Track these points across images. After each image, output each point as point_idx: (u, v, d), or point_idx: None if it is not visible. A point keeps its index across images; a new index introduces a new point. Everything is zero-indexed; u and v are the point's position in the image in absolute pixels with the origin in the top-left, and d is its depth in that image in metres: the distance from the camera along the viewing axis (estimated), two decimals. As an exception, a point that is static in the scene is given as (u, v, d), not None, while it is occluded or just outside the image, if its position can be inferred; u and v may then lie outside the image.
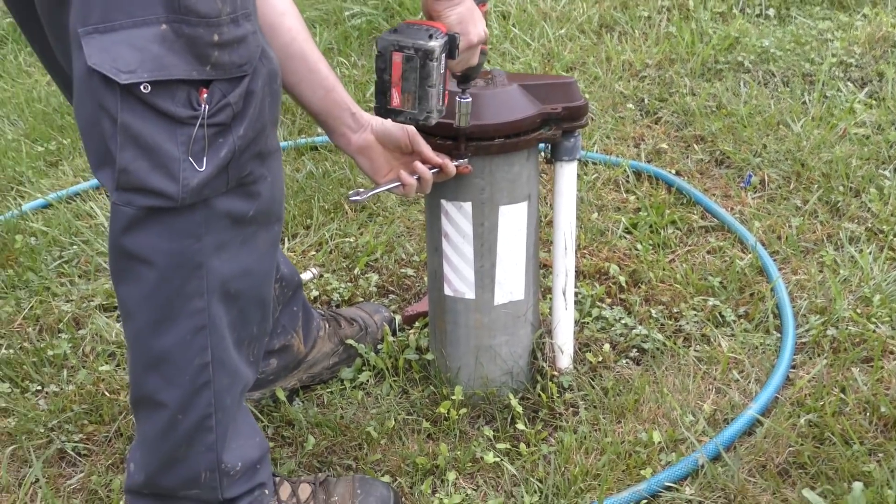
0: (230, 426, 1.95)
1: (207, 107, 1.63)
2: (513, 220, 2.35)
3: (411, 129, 2.16)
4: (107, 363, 2.70)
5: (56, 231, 3.32)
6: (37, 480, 2.34)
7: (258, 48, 1.70)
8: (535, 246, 2.44)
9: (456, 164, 2.21)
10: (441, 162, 2.18)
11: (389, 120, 2.10)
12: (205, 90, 1.63)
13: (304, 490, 2.18)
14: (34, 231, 3.35)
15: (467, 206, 2.32)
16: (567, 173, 2.38)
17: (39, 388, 2.65)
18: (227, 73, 1.64)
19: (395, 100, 2.04)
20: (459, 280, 2.40)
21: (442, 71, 2.02)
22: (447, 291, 2.43)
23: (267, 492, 2.09)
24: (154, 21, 1.56)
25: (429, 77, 1.99)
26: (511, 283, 2.41)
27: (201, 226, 1.72)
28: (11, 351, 2.77)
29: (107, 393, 2.59)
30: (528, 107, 2.27)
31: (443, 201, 2.34)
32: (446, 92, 2.09)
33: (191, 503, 2.02)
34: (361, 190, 2.16)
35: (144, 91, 1.58)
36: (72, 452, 2.44)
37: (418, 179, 2.18)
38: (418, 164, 2.16)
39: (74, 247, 3.24)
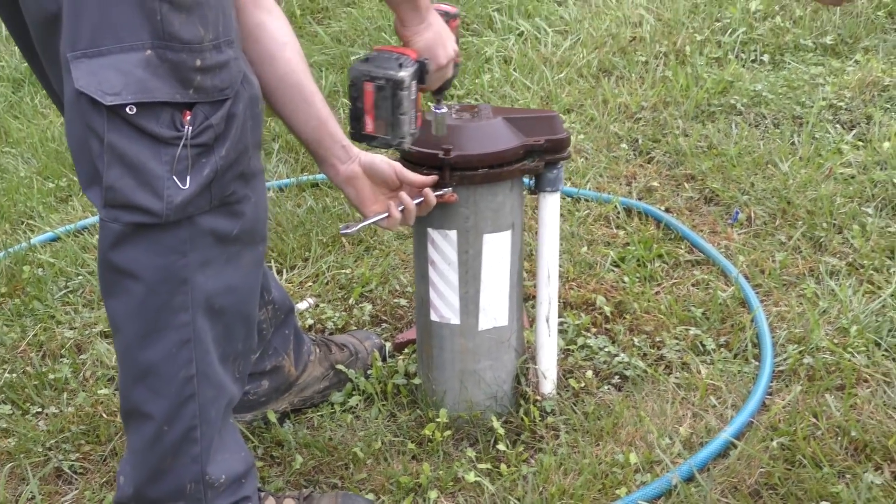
0: (215, 439, 2.01)
1: (191, 128, 1.72)
2: (497, 249, 2.43)
3: (397, 165, 2.24)
4: (106, 387, 2.78)
5: (63, 262, 3.42)
6: (33, 497, 2.43)
7: (240, 73, 1.80)
8: (520, 274, 2.53)
9: (439, 193, 2.29)
10: (425, 182, 2.26)
11: (375, 153, 2.19)
12: (188, 112, 1.72)
13: None
14: (42, 262, 3.45)
15: (452, 234, 2.41)
16: (550, 204, 2.47)
17: (40, 409, 2.73)
18: (209, 97, 1.74)
19: (369, 126, 2.13)
20: (445, 306, 2.48)
21: (413, 97, 2.11)
22: (433, 317, 2.51)
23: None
24: (140, 47, 1.66)
25: (400, 105, 2.08)
26: (495, 310, 2.49)
27: (186, 242, 1.80)
28: (14, 375, 2.86)
29: (104, 415, 2.68)
30: (511, 139, 2.37)
31: (429, 229, 2.43)
32: (419, 114, 2.18)
33: None
34: (352, 223, 2.25)
35: (130, 112, 1.67)
36: (68, 471, 2.52)
37: (402, 211, 2.26)
38: (403, 196, 2.24)
39: (80, 277, 3.34)
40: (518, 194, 2.45)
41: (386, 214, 2.25)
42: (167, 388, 1.90)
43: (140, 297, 1.81)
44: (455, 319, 2.49)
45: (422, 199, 2.27)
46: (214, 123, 1.75)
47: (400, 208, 2.26)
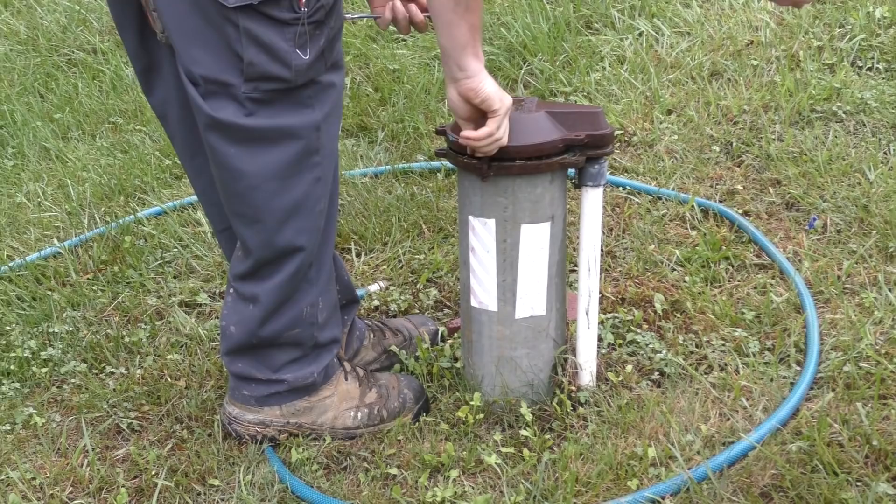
0: (322, 265, 2.45)
1: (306, 10, 2.10)
2: (534, 239, 2.49)
3: None
4: (176, 352, 2.95)
5: (163, 236, 3.61)
6: (87, 449, 2.60)
7: None
8: (560, 265, 2.57)
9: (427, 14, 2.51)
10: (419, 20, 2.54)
11: None
12: None
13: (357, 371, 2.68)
14: (144, 234, 3.65)
15: (491, 222, 2.48)
16: (591, 198, 2.51)
17: (113, 370, 2.91)
18: None
19: None
20: (484, 292, 2.55)
21: None
22: (473, 303, 2.58)
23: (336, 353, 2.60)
24: None
25: None
26: (532, 299, 2.54)
27: (312, 97, 2.22)
28: (97, 336, 3.05)
29: (169, 378, 2.84)
30: (551, 132, 2.42)
31: (470, 217, 2.50)
32: None
33: (287, 349, 2.46)
34: (356, 13, 2.61)
35: (255, 3, 2.04)
36: (126, 428, 2.69)
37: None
38: (397, 5, 2.52)
39: (175, 250, 3.52)
40: (559, 187, 2.50)
41: (377, 16, 2.58)
42: (310, 222, 2.33)
43: (285, 146, 2.22)
44: (493, 306, 2.56)
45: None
46: (325, 3, 2.14)
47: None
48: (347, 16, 2.63)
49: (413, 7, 2.52)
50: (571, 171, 2.50)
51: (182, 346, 3.00)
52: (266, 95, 2.16)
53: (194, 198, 3.86)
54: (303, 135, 2.23)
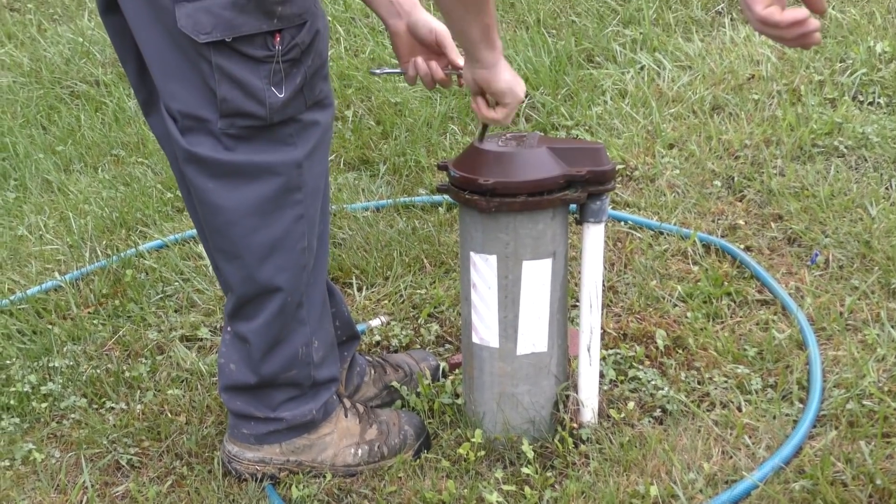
0: (314, 307, 2.43)
1: (280, 48, 2.10)
2: (536, 275, 2.49)
3: (442, 33, 2.46)
4: (176, 388, 2.94)
5: (164, 269, 3.61)
6: (86, 486, 2.59)
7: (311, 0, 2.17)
8: (562, 301, 2.57)
9: (450, 71, 2.51)
10: (453, 62, 2.50)
11: (429, 16, 2.47)
12: (278, 35, 2.09)
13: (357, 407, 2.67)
14: (146, 268, 3.65)
15: (493, 258, 2.47)
16: (593, 235, 2.51)
17: (113, 405, 2.90)
18: (291, 22, 2.10)
19: None
20: (485, 328, 2.54)
21: None
22: (474, 339, 2.58)
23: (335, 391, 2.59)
24: None
25: None
26: (534, 335, 2.54)
27: (293, 135, 2.22)
28: (98, 371, 3.04)
29: (169, 414, 2.83)
30: (552, 168, 2.42)
31: (471, 253, 2.50)
32: None
33: (286, 389, 2.44)
34: (381, 65, 2.53)
35: (228, 40, 2.04)
36: (125, 465, 2.68)
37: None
38: (419, 60, 2.51)
39: (176, 283, 3.52)
40: (561, 223, 2.50)
41: (401, 72, 2.56)
42: (290, 261, 2.31)
43: (263, 182, 2.22)
44: (494, 342, 2.55)
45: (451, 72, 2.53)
46: (300, 42, 2.13)
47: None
48: (374, 71, 2.66)
49: (434, 64, 2.50)
50: (573, 206, 2.49)
51: (183, 381, 2.99)
52: (243, 132, 2.16)
53: (196, 231, 3.85)
54: (282, 171, 2.22)
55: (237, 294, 2.34)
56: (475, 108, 2.40)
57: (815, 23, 1.70)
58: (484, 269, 2.49)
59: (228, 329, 2.43)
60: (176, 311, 3.39)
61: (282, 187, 2.23)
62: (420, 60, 2.50)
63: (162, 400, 2.89)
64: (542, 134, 2.57)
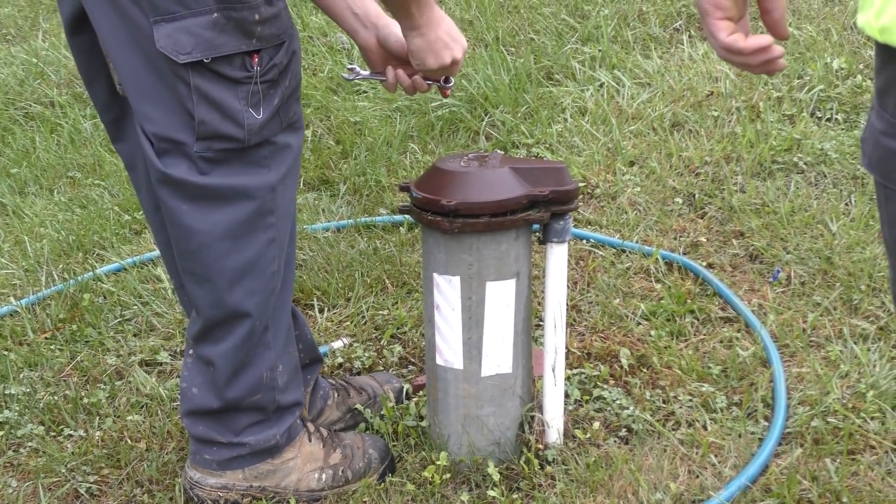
0: (279, 331, 2.40)
1: (259, 69, 2.09)
2: (500, 296, 2.47)
3: None
4: (136, 413, 2.89)
5: (122, 293, 3.56)
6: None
7: (289, 19, 2.18)
8: (526, 322, 2.55)
9: (431, 82, 2.48)
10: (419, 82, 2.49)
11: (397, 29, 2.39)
12: (256, 56, 2.08)
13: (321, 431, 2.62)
14: (103, 291, 3.60)
15: (456, 280, 2.45)
16: (556, 255, 2.49)
17: (71, 432, 2.85)
18: (269, 43, 2.10)
19: None
20: (449, 350, 2.52)
21: None
22: (438, 361, 2.55)
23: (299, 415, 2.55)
24: (207, 11, 2.00)
25: None
26: (498, 357, 2.52)
27: (268, 158, 2.20)
28: (55, 397, 2.99)
29: (129, 440, 2.79)
30: (515, 188, 2.40)
31: (434, 275, 2.48)
32: None
33: (249, 413, 2.40)
34: (354, 68, 2.56)
35: (206, 61, 2.02)
36: (84, 493, 2.63)
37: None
38: (400, 71, 2.46)
39: (135, 307, 3.47)
40: (524, 244, 2.48)
41: (384, 78, 2.49)
42: (260, 285, 2.28)
43: (238, 206, 2.19)
44: (458, 364, 2.53)
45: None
46: (278, 62, 2.13)
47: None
48: (348, 77, 2.60)
49: (417, 79, 2.47)
50: (535, 226, 2.48)
51: (143, 407, 2.94)
52: (219, 155, 2.14)
53: (154, 253, 3.81)
54: (257, 195, 2.20)
55: (205, 317, 2.30)
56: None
57: (779, 49, 1.70)
58: (447, 291, 2.47)
59: (191, 352, 2.39)
60: (135, 336, 3.34)
61: (255, 211, 2.21)
62: (402, 73, 2.47)
63: (121, 426, 2.85)
64: (504, 153, 2.55)
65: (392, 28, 2.42)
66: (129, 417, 2.87)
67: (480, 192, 2.39)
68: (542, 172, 2.45)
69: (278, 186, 2.23)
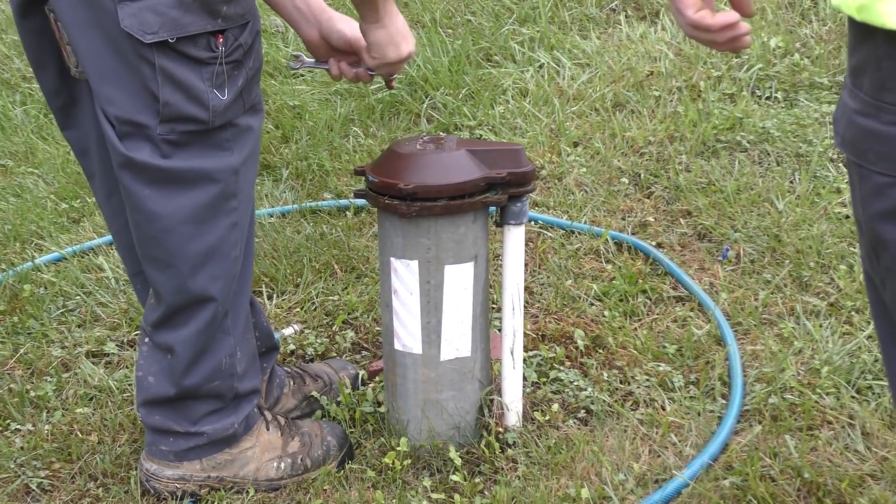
0: (238, 314, 2.37)
1: (224, 49, 2.06)
2: (458, 280, 2.45)
3: (354, 39, 2.42)
4: (85, 406, 2.83)
5: (64, 282, 3.48)
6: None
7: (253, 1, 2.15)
8: (484, 305, 2.54)
9: (373, 73, 2.48)
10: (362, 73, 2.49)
11: (342, 23, 2.43)
12: (220, 36, 2.05)
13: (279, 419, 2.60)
14: (44, 282, 3.52)
15: (414, 264, 2.43)
16: (514, 237, 2.48)
17: (19, 427, 2.79)
18: (234, 23, 2.07)
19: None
20: (407, 335, 2.50)
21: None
22: (396, 346, 2.53)
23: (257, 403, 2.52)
24: None
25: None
26: (457, 340, 2.50)
27: (230, 140, 2.16)
28: (0, 391, 2.92)
29: (79, 433, 2.72)
30: (472, 170, 2.38)
31: (392, 259, 2.45)
32: None
33: (207, 401, 2.37)
34: (299, 56, 2.57)
35: (172, 41, 1.99)
36: (36, 489, 2.57)
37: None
38: (343, 65, 2.48)
39: (78, 297, 3.40)
40: (482, 226, 2.46)
41: (328, 67, 2.50)
42: (223, 269, 2.25)
43: (201, 189, 2.16)
44: (417, 349, 2.51)
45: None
46: (243, 42, 2.10)
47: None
48: (293, 65, 2.60)
49: (361, 70, 2.47)
50: (492, 208, 2.47)
51: (92, 399, 2.88)
52: (182, 137, 2.10)
53: (95, 242, 3.74)
54: (220, 178, 2.17)
55: (167, 303, 2.26)
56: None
57: (745, 26, 1.71)
58: (405, 275, 2.44)
59: (146, 340, 2.34)
60: (79, 326, 3.27)
61: (219, 194, 2.17)
62: (345, 65, 2.47)
63: (71, 419, 2.78)
64: (459, 137, 2.53)
65: (335, 23, 2.43)
66: (79, 410, 2.81)
67: (438, 174, 2.37)
68: (498, 154, 2.43)
69: (241, 169, 2.19)
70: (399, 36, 2.34)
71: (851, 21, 1.40)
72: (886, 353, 1.61)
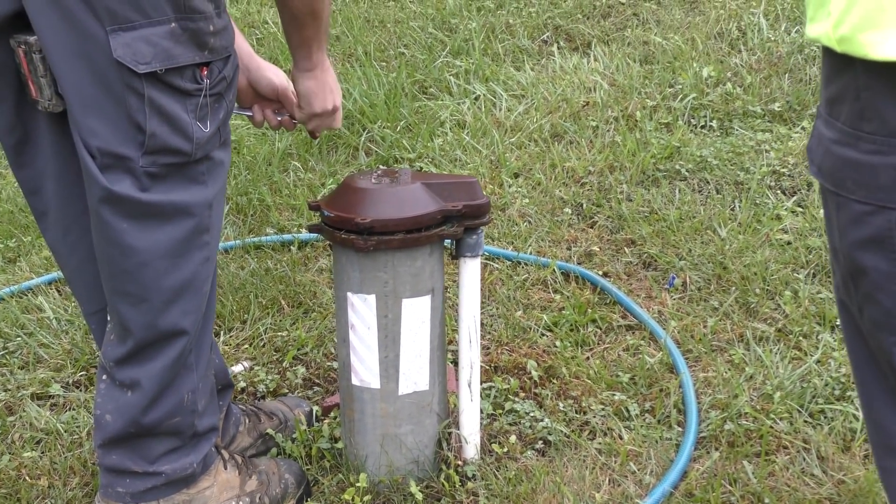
0: (201, 350, 2.34)
1: (208, 81, 2.06)
2: (416, 313, 2.44)
3: (281, 86, 2.49)
4: (32, 450, 2.78)
5: (2, 323, 3.42)
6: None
7: (233, 33, 2.16)
8: (441, 338, 2.53)
9: (280, 118, 2.55)
10: (286, 121, 2.56)
11: (270, 72, 2.49)
12: (205, 69, 2.05)
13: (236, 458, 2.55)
14: (-18, 323, 3.45)
15: (371, 298, 2.42)
16: (470, 269, 2.48)
17: (-35, 472, 2.72)
18: (219, 55, 2.08)
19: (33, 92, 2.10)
20: (365, 370, 2.48)
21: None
22: (354, 381, 2.51)
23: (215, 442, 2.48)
24: (165, 21, 1.97)
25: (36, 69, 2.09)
26: (415, 374, 2.49)
27: (205, 174, 2.15)
28: (-57, 436, 2.85)
29: (28, 478, 2.67)
30: (429, 204, 2.38)
31: (349, 294, 2.44)
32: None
33: (165, 439, 2.32)
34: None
35: (161, 72, 1.98)
36: (-15, 535, 2.51)
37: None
38: (268, 112, 2.55)
39: (18, 339, 3.33)
40: (438, 259, 2.46)
41: (251, 114, 2.55)
42: (194, 304, 2.23)
43: (178, 223, 2.13)
44: (375, 384, 2.49)
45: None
46: (226, 75, 2.11)
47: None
48: None
49: (286, 119, 2.53)
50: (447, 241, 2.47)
51: (39, 442, 2.82)
52: (163, 170, 2.08)
53: (34, 282, 3.67)
54: (196, 212, 2.15)
55: (137, 338, 2.21)
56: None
57: None
58: (362, 310, 2.43)
59: (104, 378, 2.29)
60: (21, 368, 3.20)
61: (193, 229, 2.15)
62: (269, 113, 2.55)
63: (18, 464, 2.72)
64: (413, 170, 2.53)
65: (264, 71, 2.48)
66: (26, 454, 2.75)
67: (394, 208, 2.36)
68: (453, 187, 2.44)
69: (214, 203, 2.18)
70: (327, 88, 2.42)
71: (828, 52, 1.42)
72: (860, 379, 1.64)
